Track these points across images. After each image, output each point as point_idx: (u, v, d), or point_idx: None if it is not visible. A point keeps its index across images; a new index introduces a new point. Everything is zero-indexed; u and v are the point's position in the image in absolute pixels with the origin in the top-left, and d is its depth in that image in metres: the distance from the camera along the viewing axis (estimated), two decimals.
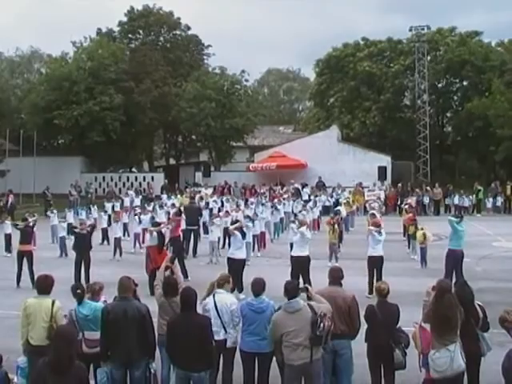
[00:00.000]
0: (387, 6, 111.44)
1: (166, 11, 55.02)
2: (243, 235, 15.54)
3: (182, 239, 19.47)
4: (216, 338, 7.88)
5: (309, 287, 7.74)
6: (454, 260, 14.53)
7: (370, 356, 7.99)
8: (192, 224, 21.24)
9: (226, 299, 8.19)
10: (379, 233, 14.97)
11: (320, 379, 7.39)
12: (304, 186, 38.70)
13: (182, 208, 23.49)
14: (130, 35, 55.41)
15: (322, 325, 7.08)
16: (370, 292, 13.70)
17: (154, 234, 15.64)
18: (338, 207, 25.85)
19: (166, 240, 16.43)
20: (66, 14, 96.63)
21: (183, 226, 20.48)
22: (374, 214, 18.58)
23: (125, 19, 54.67)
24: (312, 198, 33.24)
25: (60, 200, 34.84)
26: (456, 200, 35.25)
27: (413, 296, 11.47)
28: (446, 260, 14.67)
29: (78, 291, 8.10)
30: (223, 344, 8.07)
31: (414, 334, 7.49)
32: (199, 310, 7.75)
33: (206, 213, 24.47)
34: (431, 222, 23.42)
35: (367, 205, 32.69)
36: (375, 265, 14.62)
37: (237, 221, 16.95)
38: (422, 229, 18.79)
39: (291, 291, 7.34)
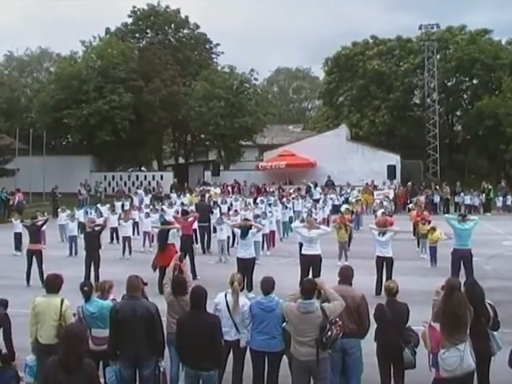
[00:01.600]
0: (392, 4, 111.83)
1: (174, 9, 55.10)
2: (243, 234, 15.04)
3: (193, 238, 19.47)
4: (227, 338, 7.89)
5: (319, 281, 7.65)
6: (457, 259, 14.45)
7: (380, 355, 7.97)
8: (203, 221, 21.30)
9: (239, 300, 8.18)
10: (382, 234, 14.85)
11: (327, 377, 7.39)
12: (315, 185, 38.62)
13: (192, 207, 23.55)
14: (137, 35, 55.50)
15: (329, 333, 7.09)
16: (378, 292, 13.61)
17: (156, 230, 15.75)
18: (346, 205, 25.79)
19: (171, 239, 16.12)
20: (74, 14, 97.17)
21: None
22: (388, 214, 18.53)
23: (128, 20, 54.95)
24: (322, 196, 33.23)
25: (69, 199, 34.89)
26: (468, 200, 35.15)
27: (422, 295, 11.43)
28: (451, 259, 14.64)
29: (85, 288, 8.14)
30: (234, 344, 8.06)
31: (424, 334, 7.43)
32: (210, 309, 7.75)
33: (215, 212, 24.45)
34: (441, 220, 23.23)
35: (377, 204, 32.56)
36: (383, 265, 14.49)
37: (246, 219, 16.88)
38: (435, 229, 18.73)
39: (308, 290, 7.30)
